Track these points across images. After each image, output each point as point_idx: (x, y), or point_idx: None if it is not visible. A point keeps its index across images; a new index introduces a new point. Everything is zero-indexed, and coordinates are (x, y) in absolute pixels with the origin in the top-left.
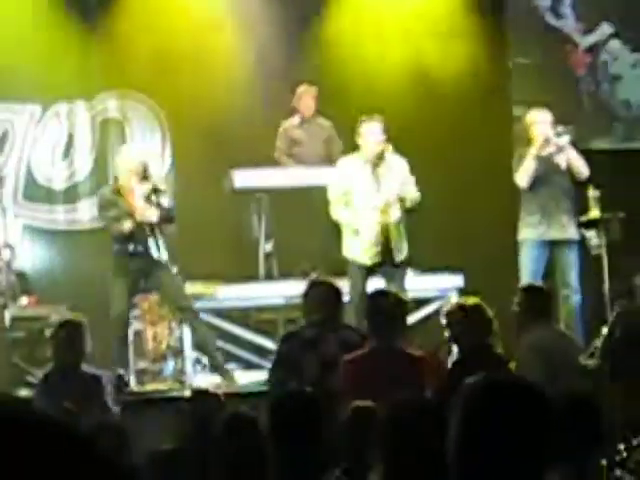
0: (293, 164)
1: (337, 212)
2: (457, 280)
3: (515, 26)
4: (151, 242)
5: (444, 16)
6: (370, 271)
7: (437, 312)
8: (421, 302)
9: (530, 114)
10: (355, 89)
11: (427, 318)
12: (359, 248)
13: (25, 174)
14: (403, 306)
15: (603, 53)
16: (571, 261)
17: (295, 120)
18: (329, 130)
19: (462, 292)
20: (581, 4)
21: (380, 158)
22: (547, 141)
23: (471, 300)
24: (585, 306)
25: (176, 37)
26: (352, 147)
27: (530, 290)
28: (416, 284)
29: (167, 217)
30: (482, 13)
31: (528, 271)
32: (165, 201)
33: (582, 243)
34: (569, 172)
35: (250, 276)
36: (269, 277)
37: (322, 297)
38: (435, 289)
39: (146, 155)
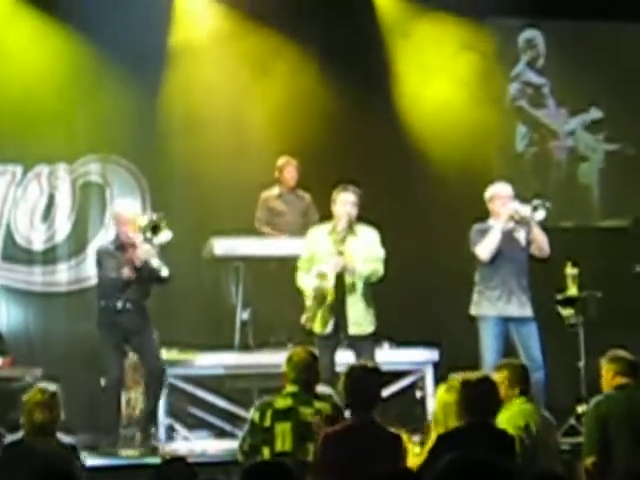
0: (273, 233)
1: (299, 278)
2: (433, 354)
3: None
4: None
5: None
6: (336, 343)
7: (412, 386)
8: (396, 375)
9: (492, 188)
10: (335, 159)
11: (402, 391)
12: (318, 317)
13: (4, 235)
14: (380, 379)
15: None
16: (533, 336)
17: (275, 191)
18: (308, 202)
19: (437, 366)
20: (561, 90)
21: (349, 228)
22: (515, 214)
23: (475, 375)
24: (560, 382)
25: (160, 104)
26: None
27: (510, 366)
28: (391, 357)
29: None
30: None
31: (491, 349)
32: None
33: (551, 320)
34: (527, 249)
35: (226, 344)
36: (245, 346)
37: (300, 366)
38: (410, 363)
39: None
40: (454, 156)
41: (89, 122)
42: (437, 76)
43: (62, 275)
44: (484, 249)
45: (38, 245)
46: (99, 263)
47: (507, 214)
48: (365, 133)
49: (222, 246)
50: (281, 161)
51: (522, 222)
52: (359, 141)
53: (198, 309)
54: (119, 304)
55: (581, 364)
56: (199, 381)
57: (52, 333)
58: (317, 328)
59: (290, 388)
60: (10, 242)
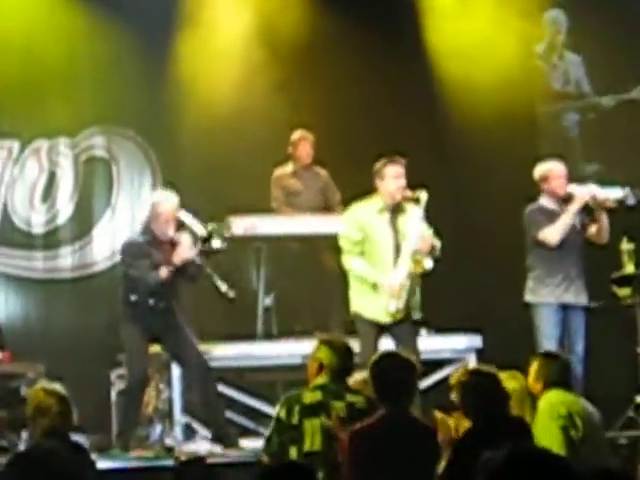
0: (293, 214)
1: (351, 263)
2: (475, 341)
3: None
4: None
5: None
6: (382, 330)
7: None
8: (435, 365)
9: (545, 166)
10: (360, 133)
11: (441, 382)
12: (376, 304)
13: (1, 217)
14: (413, 369)
15: None
16: (581, 329)
17: (288, 168)
18: (325, 179)
19: (480, 354)
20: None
21: (400, 205)
22: (592, 199)
23: (484, 368)
24: (617, 370)
25: (169, 72)
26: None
27: (548, 357)
28: (430, 345)
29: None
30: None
31: (550, 338)
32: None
33: (606, 302)
34: (583, 233)
35: (247, 334)
36: (268, 335)
37: (342, 351)
38: (451, 350)
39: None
40: (496, 124)
41: (92, 91)
42: (472, 39)
43: (65, 260)
44: (554, 233)
45: (38, 228)
46: (130, 262)
47: (584, 199)
48: (392, 98)
49: (241, 225)
50: (295, 136)
51: (597, 207)
52: (386, 109)
53: (215, 295)
54: (151, 301)
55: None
56: (218, 374)
57: (55, 324)
58: (387, 317)
59: (319, 380)
60: (8, 225)
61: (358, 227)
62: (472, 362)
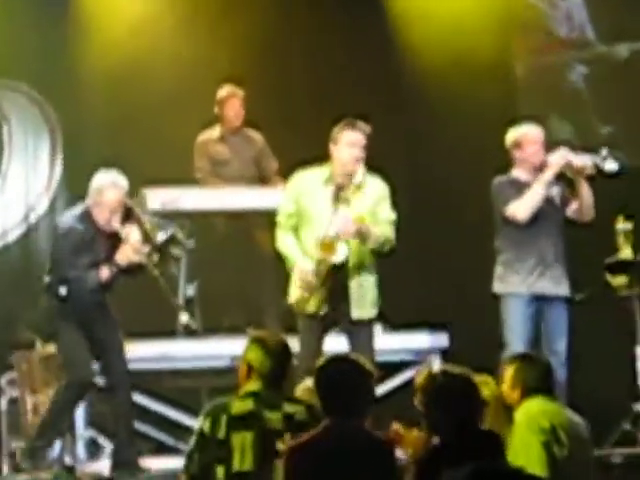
0: (221, 186)
1: (279, 238)
2: (440, 339)
3: None
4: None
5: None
6: (325, 327)
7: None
8: (392, 368)
9: (519, 130)
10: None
11: (402, 387)
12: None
13: None
14: (367, 375)
15: None
16: (562, 324)
17: (215, 132)
18: (259, 144)
19: (446, 354)
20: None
21: (351, 179)
22: (568, 167)
23: (456, 369)
24: (611, 374)
25: (71, 15)
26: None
27: (525, 360)
28: (385, 344)
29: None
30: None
31: (520, 335)
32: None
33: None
34: (563, 210)
35: (165, 330)
36: (190, 332)
37: (277, 353)
38: (410, 351)
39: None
40: (465, 84)
41: None
42: None
43: None
44: (523, 207)
45: None
46: (66, 258)
47: (558, 166)
48: (339, 39)
49: (158, 198)
50: (222, 93)
51: (575, 176)
52: (332, 53)
53: (125, 283)
54: (87, 296)
55: (638, 350)
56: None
57: None
58: (310, 307)
59: (251, 386)
60: None
61: (294, 198)
62: (436, 365)
